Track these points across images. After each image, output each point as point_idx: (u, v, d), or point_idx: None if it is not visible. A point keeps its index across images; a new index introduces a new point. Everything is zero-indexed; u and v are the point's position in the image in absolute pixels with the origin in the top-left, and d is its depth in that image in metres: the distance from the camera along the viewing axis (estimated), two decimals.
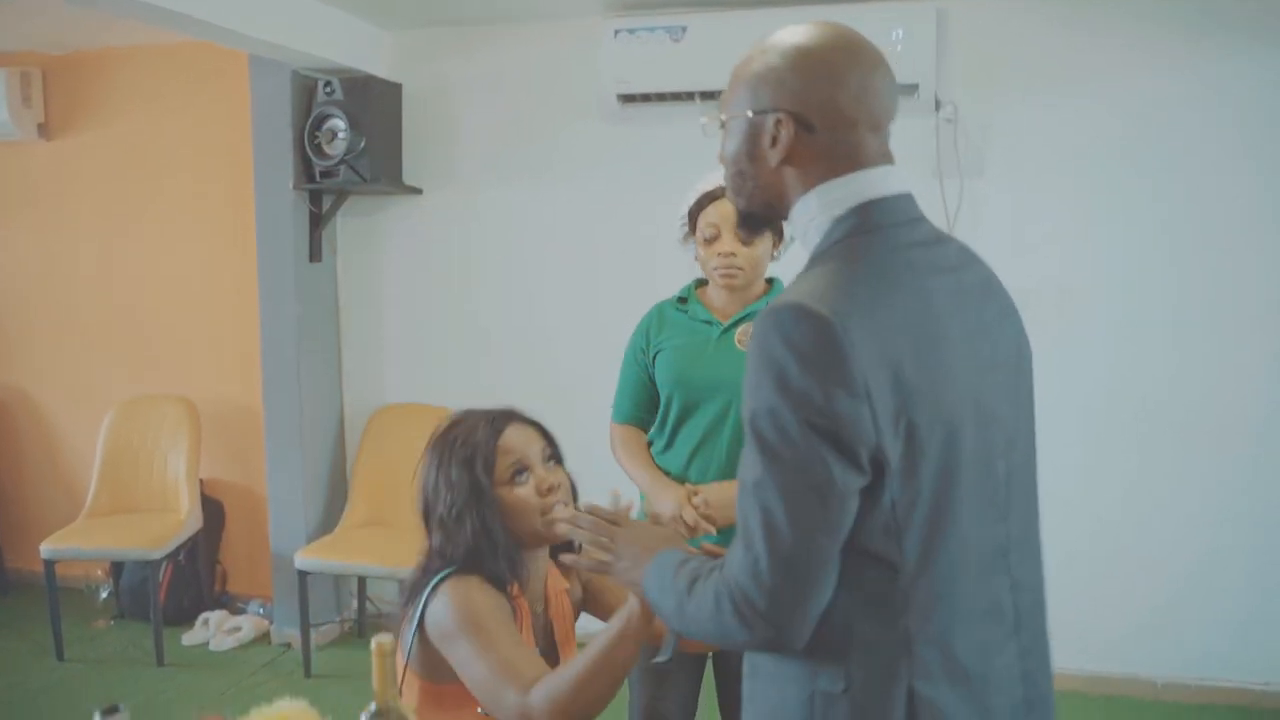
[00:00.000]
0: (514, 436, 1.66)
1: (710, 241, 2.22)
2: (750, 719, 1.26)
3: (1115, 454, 3.52)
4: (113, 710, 1.06)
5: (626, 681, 2.31)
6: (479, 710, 1.53)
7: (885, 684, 1.13)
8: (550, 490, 1.64)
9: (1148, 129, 3.41)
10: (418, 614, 1.57)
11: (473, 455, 1.62)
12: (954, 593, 1.16)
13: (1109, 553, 3.52)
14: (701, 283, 2.37)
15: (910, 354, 1.11)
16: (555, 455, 1.72)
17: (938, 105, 3.42)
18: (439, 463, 1.64)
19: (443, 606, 1.54)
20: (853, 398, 1.06)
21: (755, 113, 1.22)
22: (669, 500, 2.20)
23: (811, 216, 1.22)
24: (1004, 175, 3.50)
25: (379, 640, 1.24)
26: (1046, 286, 3.45)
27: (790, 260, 2.33)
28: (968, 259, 1.27)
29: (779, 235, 2.26)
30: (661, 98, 3.52)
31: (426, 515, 1.65)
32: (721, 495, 2.17)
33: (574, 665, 1.44)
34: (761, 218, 1.32)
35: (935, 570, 1.14)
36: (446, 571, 1.58)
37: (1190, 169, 3.39)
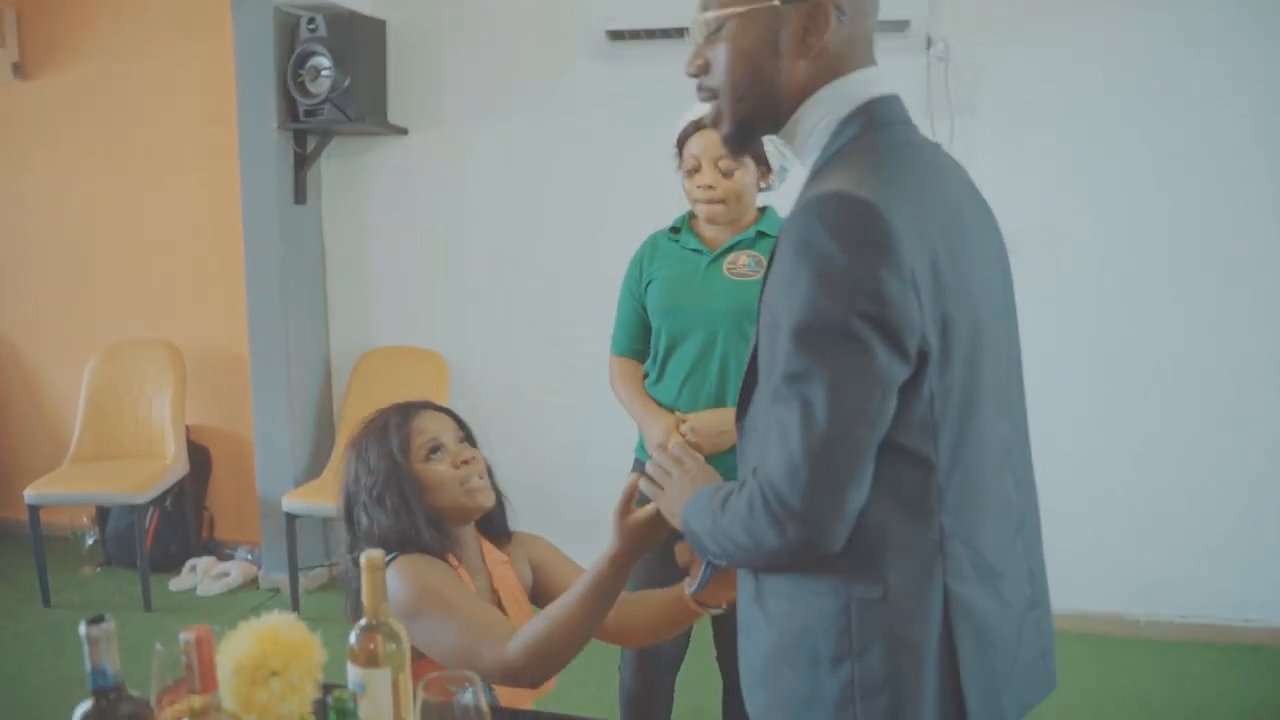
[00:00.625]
0: (426, 420, 1.71)
1: (692, 173, 2.23)
2: (765, 642, 1.22)
3: (1100, 397, 3.54)
4: (98, 620, 1.05)
5: None
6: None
7: (922, 585, 1.12)
8: (465, 463, 1.68)
9: (1140, 68, 3.39)
10: None
11: (387, 438, 1.67)
12: (979, 489, 1.15)
13: (1092, 496, 3.54)
14: (693, 217, 2.36)
15: (942, 245, 1.10)
16: (469, 438, 1.76)
17: (929, 43, 3.38)
18: (357, 454, 1.69)
19: (395, 588, 1.54)
20: (901, 282, 1.04)
21: (785, 1, 1.16)
22: (658, 429, 2.21)
23: (820, 116, 1.19)
24: (995, 115, 3.47)
25: (368, 554, 1.23)
26: (1036, 226, 3.44)
27: (785, 191, 2.33)
28: (954, 161, 1.28)
29: (765, 165, 2.24)
30: (651, 35, 3.48)
31: (349, 508, 1.69)
32: (709, 423, 2.18)
33: (551, 613, 1.46)
34: (756, 128, 1.24)
35: (965, 466, 1.13)
36: (389, 558, 1.59)
37: (1181, 109, 3.37)
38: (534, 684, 1.47)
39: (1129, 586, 3.56)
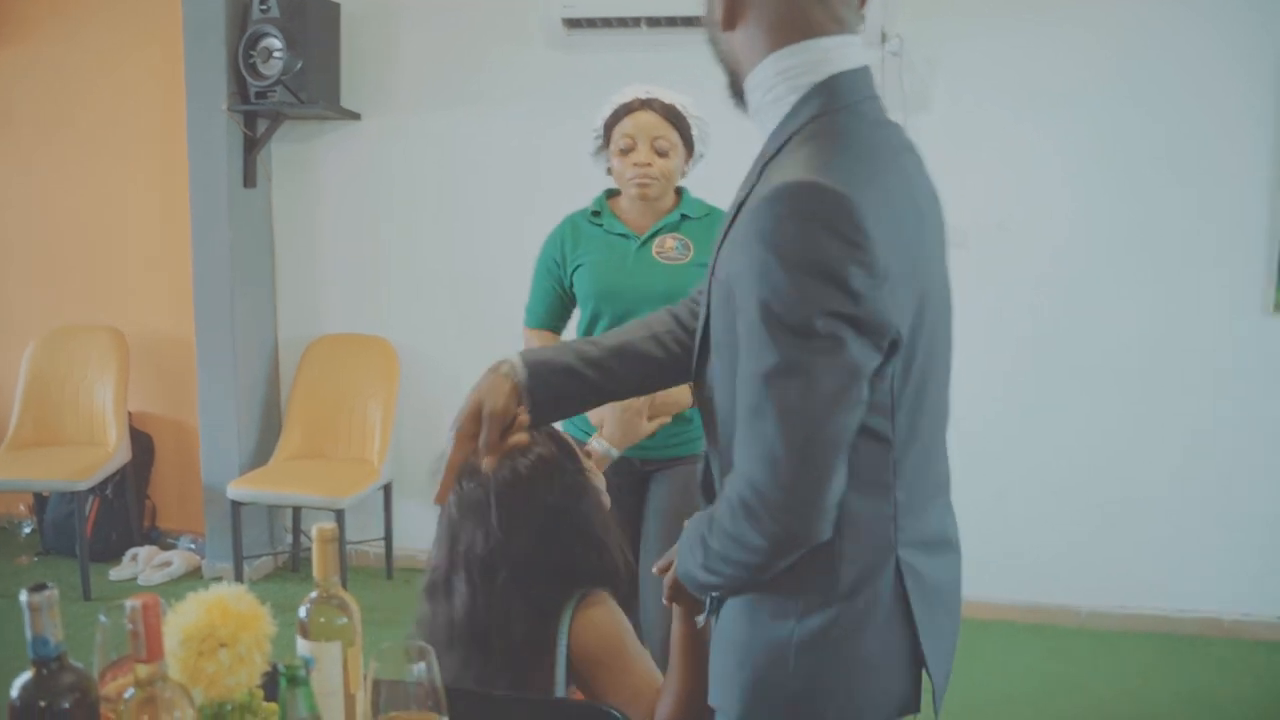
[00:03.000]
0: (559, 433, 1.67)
1: (626, 153, 2.28)
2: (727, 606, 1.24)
3: (1046, 389, 3.60)
4: (40, 587, 1.02)
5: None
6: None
7: (877, 556, 1.13)
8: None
9: (1093, 63, 3.44)
10: (563, 642, 1.53)
11: (564, 466, 1.60)
12: (928, 463, 1.18)
13: (1039, 488, 3.61)
14: (611, 194, 2.43)
15: (908, 227, 1.09)
16: None
17: (884, 38, 3.42)
18: (557, 489, 1.58)
19: (588, 635, 1.51)
20: (873, 277, 1.02)
21: None
22: None
23: (770, 86, 1.16)
24: (949, 109, 3.51)
25: (320, 526, 1.22)
26: (989, 221, 3.49)
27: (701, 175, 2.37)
28: (908, 138, 1.26)
29: (690, 149, 2.32)
30: (608, 23, 3.47)
31: (537, 555, 1.55)
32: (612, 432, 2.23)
33: (669, 689, 1.44)
34: (735, 92, 1.26)
35: (919, 441, 1.15)
36: (574, 600, 1.54)
37: (1133, 105, 3.43)
38: None
39: (1072, 578, 3.62)
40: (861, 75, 1.17)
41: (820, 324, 1.02)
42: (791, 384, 1.04)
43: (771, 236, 1.04)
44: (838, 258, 1.01)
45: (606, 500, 1.69)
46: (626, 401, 2.08)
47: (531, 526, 1.54)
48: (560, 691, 1.52)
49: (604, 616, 1.53)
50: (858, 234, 1.01)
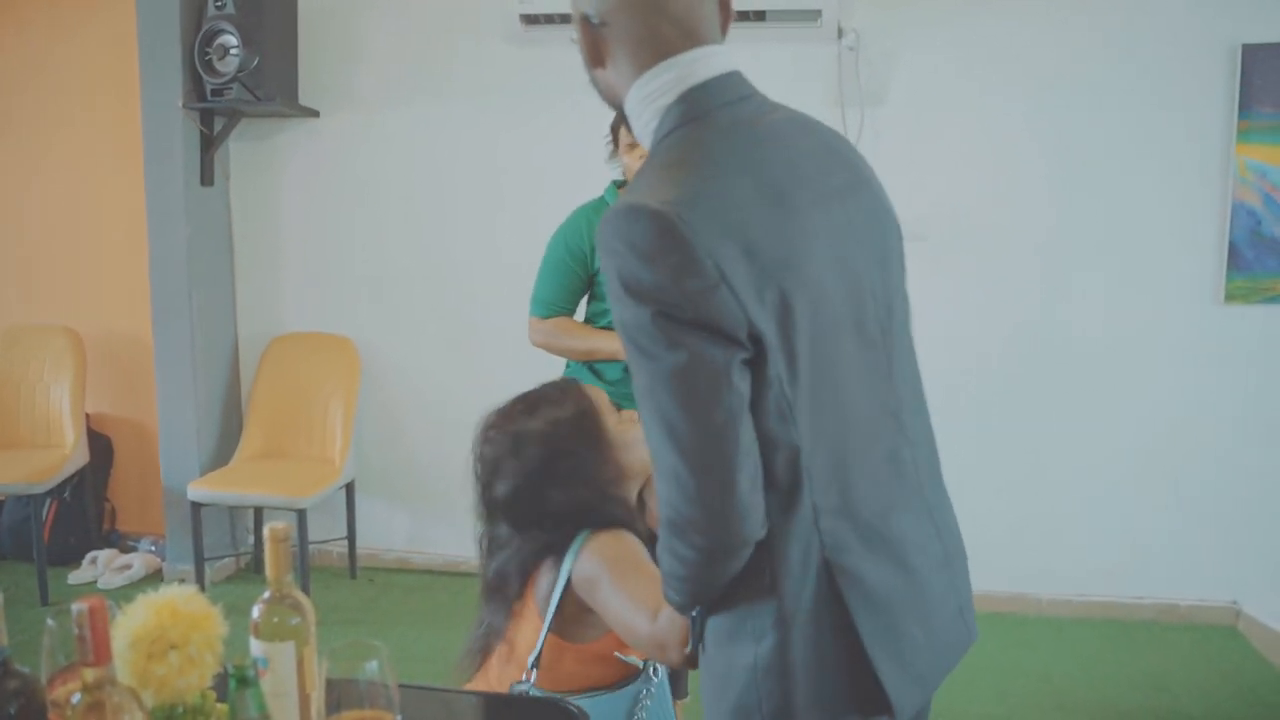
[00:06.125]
0: (589, 390, 1.70)
1: (632, 147, 2.41)
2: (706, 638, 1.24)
3: (1005, 381, 3.64)
4: None
5: None
6: (616, 655, 1.57)
7: (803, 567, 1.13)
8: (632, 419, 1.71)
9: (1049, 58, 3.48)
10: (563, 579, 1.56)
11: (563, 412, 1.64)
12: (849, 460, 1.15)
13: (997, 479, 3.65)
14: (621, 185, 2.53)
15: (760, 228, 1.09)
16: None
17: (840, 33, 3.43)
18: (537, 438, 1.62)
19: (588, 560, 1.54)
20: (704, 281, 1.04)
21: (575, 24, 1.22)
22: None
23: (638, 114, 1.19)
24: (905, 104, 3.54)
25: (272, 526, 1.21)
26: (945, 214, 3.52)
27: None
28: (805, 129, 1.23)
29: None
30: (565, 19, 3.45)
31: (515, 497, 1.62)
32: None
33: None
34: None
35: (828, 441, 1.13)
36: (584, 535, 1.58)
37: (1089, 99, 3.48)
38: (688, 661, 1.39)
39: (1031, 567, 3.67)
40: (722, 82, 1.17)
41: (668, 338, 1.04)
42: (665, 401, 1.06)
43: (611, 262, 1.08)
44: (665, 274, 1.04)
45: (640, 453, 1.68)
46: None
47: (548, 473, 1.60)
48: (548, 616, 1.55)
49: (609, 539, 1.56)
50: (681, 247, 1.03)
